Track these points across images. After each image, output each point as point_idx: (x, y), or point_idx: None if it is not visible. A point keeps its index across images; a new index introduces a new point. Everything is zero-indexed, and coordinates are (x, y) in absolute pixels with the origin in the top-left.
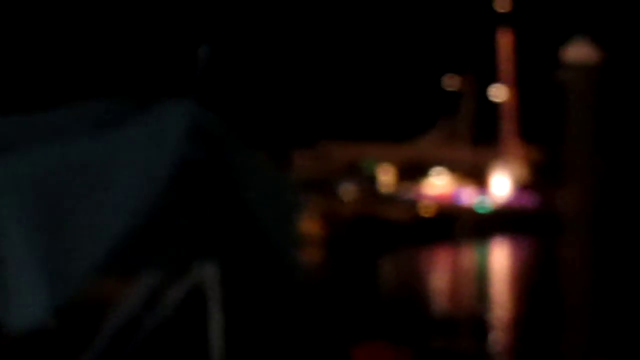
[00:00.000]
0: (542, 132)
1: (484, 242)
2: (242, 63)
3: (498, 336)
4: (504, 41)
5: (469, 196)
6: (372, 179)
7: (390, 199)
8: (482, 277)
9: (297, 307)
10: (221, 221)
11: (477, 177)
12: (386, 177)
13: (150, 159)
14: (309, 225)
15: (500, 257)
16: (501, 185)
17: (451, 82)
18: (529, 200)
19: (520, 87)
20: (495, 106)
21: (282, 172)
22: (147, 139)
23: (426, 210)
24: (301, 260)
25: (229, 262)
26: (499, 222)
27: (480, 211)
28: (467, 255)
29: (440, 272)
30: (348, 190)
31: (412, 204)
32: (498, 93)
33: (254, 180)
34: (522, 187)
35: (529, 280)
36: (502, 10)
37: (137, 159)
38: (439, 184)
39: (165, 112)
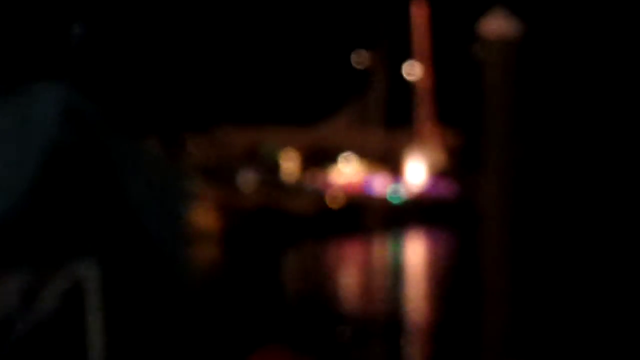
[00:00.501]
0: (459, 115)
1: (397, 235)
2: (124, 43)
3: (412, 341)
4: (418, 14)
5: (380, 185)
6: (274, 167)
7: (294, 189)
8: (395, 274)
9: (185, 309)
10: (98, 213)
11: (390, 164)
12: (289, 164)
13: (19, 147)
14: (203, 217)
15: (414, 251)
16: (416, 172)
17: (360, 60)
18: (446, 189)
19: (436, 65)
20: (409, 86)
21: (172, 161)
22: (15, 127)
23: (334, 201)
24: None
25: (108, 259)
26: (413, 213)
27: (394, 201)
28: (379, 250)
29: (349, 269)
30: (247, 180)
31: (318, 194)
32: (412, 71)
33: (135, 169)
34: (439, 174)
35: (446, 277)
36: None
37: (4, 148)
38: (347, 172)
39: (36, 96)
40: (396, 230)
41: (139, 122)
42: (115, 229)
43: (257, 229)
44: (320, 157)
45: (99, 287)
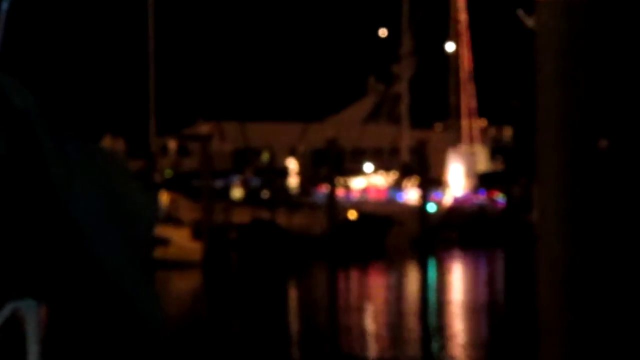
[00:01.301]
0: (507, 106)
1: (430, 260)
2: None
3: None
4: None
5: (410, 194)
6: (273, 173)
7: (299, 200)
8: (427, 310)
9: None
10: (37, 239)
11: (420, 167)
12: (292, 169)
13: None
14: (180, 239)
15: (452, 280)
16: (453, 178)
17: (383, 35)
18: (491, 200)
19: (477, 46)
20: (444, 72)
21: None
22: None
23: (349, 215)
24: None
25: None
26: (450, 229)
27: (427, 213)
28: (408, 279)
29: (371, 305)
30: (238, 188)
31: (332, 206)
32: (449, 53)
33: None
34: (482, 181)
35: (492, 316)
36: None
37: None
38: (366, 179)
39: None
40: (429, 252)
41: (93, 120)
42: (62, 261)
43: (251, 252)
44: (332, 160)
45: (41, 332)
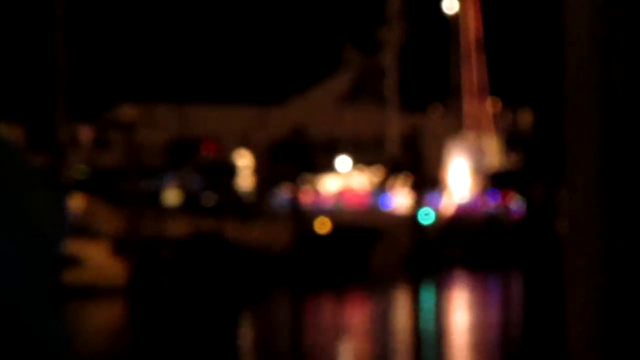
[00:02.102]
0: (526, 85)
1: (427, 283)
2: None
3: None
4: None
5: (396, 200)
6: (218, 170)
7: (255, 207)
8: (423, 348)
9: None
10: None
11: (413, 164)
12: (245, 166)
13: None
14: (93, 256)
15: (455, 310)
16: (456, 179)
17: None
18: (505, 206)
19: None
20: (444, 41)
21: (44, 167)
22: None
23: (320, 226)
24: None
25: None
26: (452, 244)
27: (422, 225)
28: (397, 309)
29: (349, 341)
30: (174, 191)
31: (295, 215)
32: (448, 12)
33: None
34: (493, 182)
35: (511, 355)
36: None
37: None
38: (342, 179)
39: None
40: (426, 274)
41: None
42: None
43: (191, 275)
44: (298, 154)
45: None
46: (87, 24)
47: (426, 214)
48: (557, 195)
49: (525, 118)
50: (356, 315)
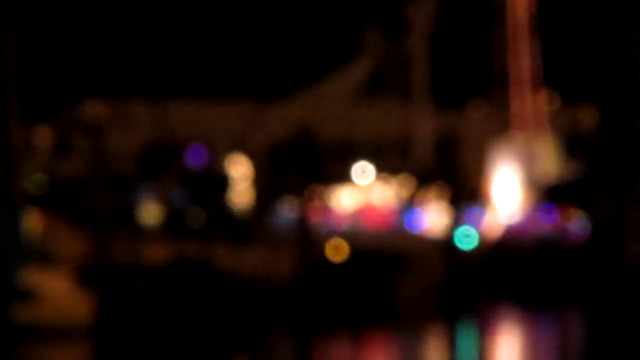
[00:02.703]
0: (590, 77)
1: (463, 323)
2: None
3: None
4: None
5: (427, 218)
6: (206, 180)
7: (250, 227)
8: None
9: None
10: None
11: (447, 174)
12: (239, 175)
13: None
14: (52, 287)
15: (500, 357)
16: (504, 192)
17: None
18: (564, 226)
19: None
20: (486, 19)
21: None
22: None
23: (334, 252)
24: None
25: None
26: (496, 276)
27: (460, 249)
28: (428, 354)
29: None
30: (152, 207)
31: (302, 238)
32: None
33: None
34: (549, 196)
35: None
36: None
37: None
38: (360, 192)
39: None
40: (464, 311)
41: None
42: None
43: (173, 311)
44: (304, 162)
45: None
46: (45, 2)
47: (465, 237)
48: (628, 213)
49: (589, 117)
50: None
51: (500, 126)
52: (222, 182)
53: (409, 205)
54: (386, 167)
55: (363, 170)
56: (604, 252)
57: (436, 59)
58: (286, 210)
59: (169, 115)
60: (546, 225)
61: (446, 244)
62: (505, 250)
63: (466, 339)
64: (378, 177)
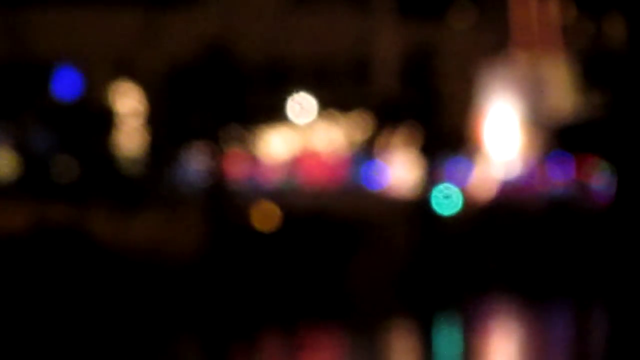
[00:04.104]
0: None
1: (441, 317)
2: None
3: None
4: None
5: (391, 170)
6: (78, 118)
7: (141, 184)
8: None
9: None
10: None
11: (418, 109)
12: (125, 112)
13: None
14: None
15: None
16: (498, 134)
17: None
18: (580, 182)
19: None
20: None
21: None
22: None
23: (260, 219)
24: None
25: None
26: (486, 249)
27: (437, 214)
28: (392, 355)
29: None
30: (4, 155)
31: (214, 199)
32: None
33: None
34: (562, 140)
35: None
36: None
37: None
38: (297, 135)
39: None
40: (442, 301)
41: None
42: None
43: (30, 293)
44: (218, 92)
45: None
46: None
47: (444, 198)
48: None
49: (617, 31)
50: None
51: (495, 42)
52: (101, 121)
53: (365, 153)
54: (333, 99)
55: (301, 105)
56: (636, 218)
57: None
58: (193, 161)
59: (25, 28)
60: (558, 181)
61: (418, 208)
62: (500, 217)
63: (443, 341)
64: (322, 114)
